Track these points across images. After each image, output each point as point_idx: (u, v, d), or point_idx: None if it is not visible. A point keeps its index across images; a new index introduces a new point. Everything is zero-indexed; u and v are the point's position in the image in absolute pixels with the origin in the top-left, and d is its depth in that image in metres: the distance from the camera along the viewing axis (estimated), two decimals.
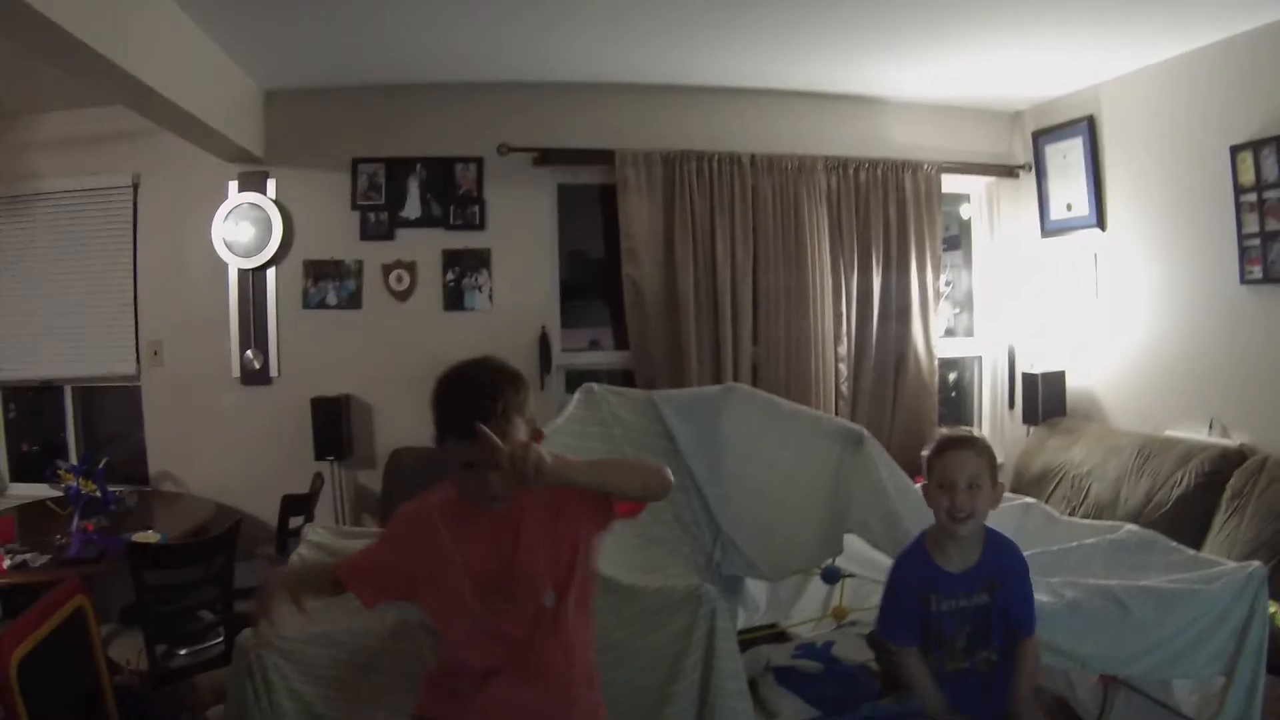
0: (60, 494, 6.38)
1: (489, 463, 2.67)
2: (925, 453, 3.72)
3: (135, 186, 7.48)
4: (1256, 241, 6.23)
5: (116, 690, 4.32)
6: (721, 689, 4.18)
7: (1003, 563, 3.66)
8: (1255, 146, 6.16)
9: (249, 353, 7.45)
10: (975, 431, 3.85)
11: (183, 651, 5.64)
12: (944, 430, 3.87)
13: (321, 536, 5.22)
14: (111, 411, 7.88)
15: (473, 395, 2.77)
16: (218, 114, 6.46)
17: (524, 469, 2.57)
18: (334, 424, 7.25)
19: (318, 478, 6.99)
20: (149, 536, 5.77)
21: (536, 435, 2.89)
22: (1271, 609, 4.29)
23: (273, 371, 7.51)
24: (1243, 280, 6.36)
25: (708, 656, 4.19)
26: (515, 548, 2.88)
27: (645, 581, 4.26)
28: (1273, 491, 5.68)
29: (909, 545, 3.85)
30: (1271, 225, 6.12)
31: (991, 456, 3.64)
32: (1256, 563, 4.23)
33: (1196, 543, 5.66)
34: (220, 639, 5.51)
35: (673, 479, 2.89)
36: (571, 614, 2.97)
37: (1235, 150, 6.31)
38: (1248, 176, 6.23)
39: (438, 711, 3.07)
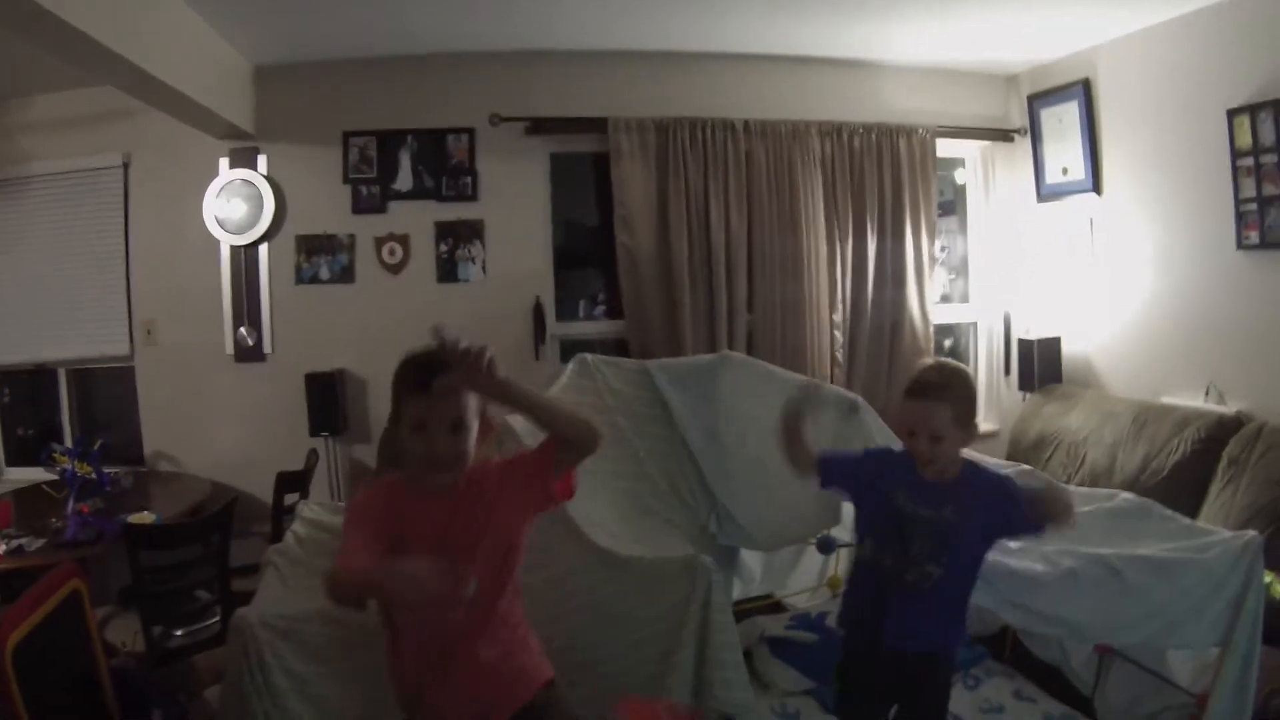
0: (56, 477, 6.37)
1: (438, 421, 2.91)
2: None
3: (126, 166, 7.43)
4: (1253, 206, 6.20)
5: (113, 672, 4.32)
6: (718, 660, 4.18)
7: (978, 488, 3.61)
8: (1252, 110, 6.13)
9: (242, 330, 7.42)
10: (951, 368, 3.69)
11: (179, 632, 5.64)
12: (926, 362, 3.79)
13: (316, 513, 5.22)
14: (106, 393, 7.86)
15: (431, 356, 2.85)
16: (207, 91, 6.43)
17: (477, 359, 2.70)
18: (328, 399, 7.25)
19: (312, 454, 7.00)
20: (144, 518, 5.76)
21: (486, 425, 3.04)
22: (1268, 578, 4.29)
23: (266, 348, 7.48)
24: (1239, 246, 6.34)
25: (703, 627, 4.19)
26: (449, 527, 2.98)
27: (642, 552, 4.27)
28: (1269, 458, 5.68)
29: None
30: (1268, 190, 6.09)
31: (960, 404, 3.56)
32: (1253, 531, 4.24)
33: (1192, 510, 5.68)
34: (217, 618, 5.52)
35: (603, 435, 3.02)
36: (501, 602, 3.08)
37: (1232, 114, 6.28)
38: (1244, 140, 6.20)
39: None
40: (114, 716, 4.20)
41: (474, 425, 3.00)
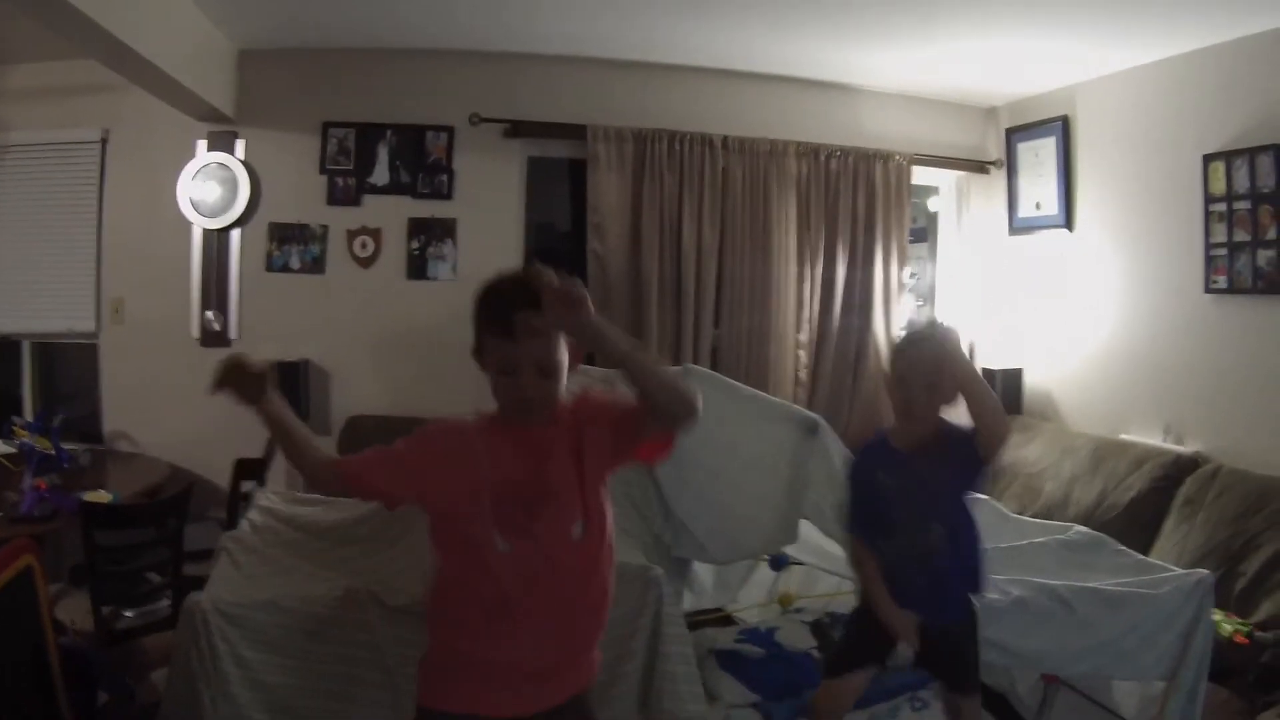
0: (14, 450, 6.30)
1: (526, 365, 2.71)
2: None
3: (104, 141, 7.39)
4: (1223, 251, 6.25)
5: (62, 650, 4.30)
6: (670, 673, 4.21)
7: (951, 439, 3.70)
8: (1228, 157, 6.19)
9: (209, 314, 7.39)
10: (940, 333, 3.80)
11: (129, 613, 5.62)
12: (914, 326, 3.89)
13: (273, 502, 5.24)
14: (69, 368, 7.81)
15: (520, 293, 2.67)
16: (189, 71, 6.40)
17: (572, 294, 2.53)
18: (291, 389, 7.16)
19: (272, 442, 6.94)
20: (101, 496, 5.73)
21: (576, 354, 2.83)
22: (1217, 616, 4.34)
23: (232, 334, 7.44)
24: (1207, 289, 6.39)
25: (654, 639, 4.21)
26: (546, 467, 2.82)
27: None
28: (1224, 500, 5.72)
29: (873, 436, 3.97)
30: (1239, 235, 6.15)
31: (960, 349, 3.74)
32: (1204, 570, 4.30)
33: (1146, 547, 5.71)
34: (167, 601, 5.49)
35: (699, 412, 2.73)
36: (602, 554, 2.93)
37: (1208, 159, 6.33)
38: (1218, 186, 6.26)
39: (449, 701, 2.93)
40: (61, 694, 4.19)
41: (565, 365, 2.79)
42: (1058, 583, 4.20)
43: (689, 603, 5.62)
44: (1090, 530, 4.79)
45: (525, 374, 2.73)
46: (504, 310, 2.71)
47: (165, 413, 7.37)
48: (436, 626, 3.01)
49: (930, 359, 3.62)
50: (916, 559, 3.68)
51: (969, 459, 3.63)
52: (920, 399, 3.63)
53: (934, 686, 4.52)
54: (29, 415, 7.18)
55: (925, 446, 3.70)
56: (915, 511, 3.67)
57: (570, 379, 2.84)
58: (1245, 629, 4.87)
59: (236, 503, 6.27)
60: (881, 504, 3.73)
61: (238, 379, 2.86)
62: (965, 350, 3.89)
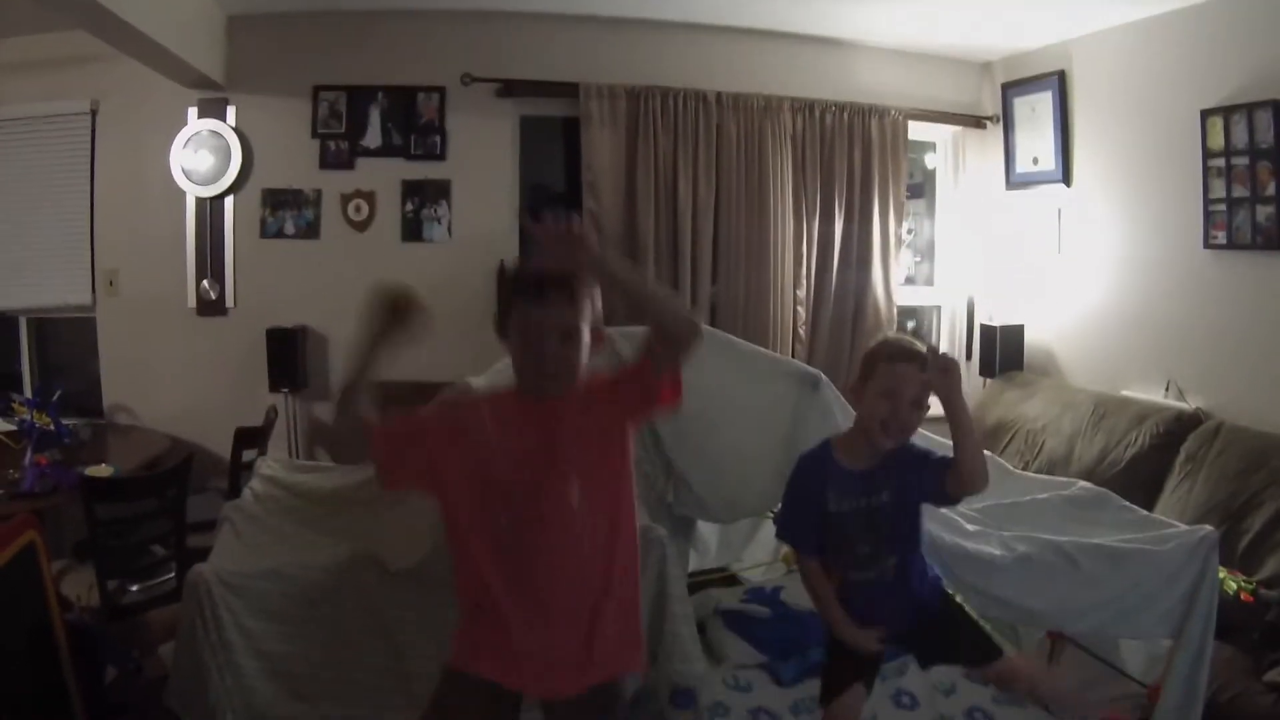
0: (14, 428, 6.27)
1: (549, 330, 2.82)
2: (868, 353, 3.56)
3: (94, 113, 7.34)
4: (1222, 207, 6.25)
5: (68, 626, 4.29)
6: (673, 633, 4.19)
7: (903, 459, 3.51)
8: (1226, 112, 6.17)
9: (205, 283, 7.36)
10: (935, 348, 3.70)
11: (135, 587, 5.62)
12: (891, 335, 3.88)
13: (274, 470, 5.22)
14: (66, 343, 7.78)
15: (548, 270, 2.81)
16: (178, 38, 6.34)
17: (572, 232, 2.61)
18: (289, 356, 7.20)
19: (272, 410, 6.94)
20: (102, 470, 5.73)
21: (598, 336, 2.96)
22: (1221, 574, 4.32)
23: (228, 302, 7.43)
24: (1206, 245, 6.39)
25: (658, 599, 4.20)
26: (554, 438, 2.89)
27: None
28: (1227, 456, 5.73)
29: (813, 446, 3.72)
30: (1238, 191, 6.13)
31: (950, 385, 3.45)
32: (1208, 526, 4.27)
33: (1148, 504, 5.68)
34: (172, 574, 5.48)
35: (702, 332, 2.90)
36: (613, 528, 2.99)
37: (1206, 114, 6.31)
38: (1217, 141, 6.24)
39: (475, 665, 3.00)
40: (68, 670, 4.18)
41: (585, 335, 2.90)
42: (1063, 538, 4.18)
43: (694, 562, 5.62)
44: (1094, 486, 4.74)
45: (549, 338, 2.82)
46: (531, 278, 2.82)
47: (164, 384, 7.38)
48: (459, 596, 3.06)
49: (924, 379, 3.41)
50: (878, 584, 3.57)
51: (931, 491, 3.50)
52: (905, 418, 3.44)
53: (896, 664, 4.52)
54: (28, 392, 7.16)
55: (882, 466, 3.51)
56: (871, 541, 3.53)
57: (592, 358, 2.93)
58: (1250, 586, 4.88)
59: (238, 472, 6.26)
60: (832, 528, 3.56)
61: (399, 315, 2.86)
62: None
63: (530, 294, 2.83)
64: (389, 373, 2.81)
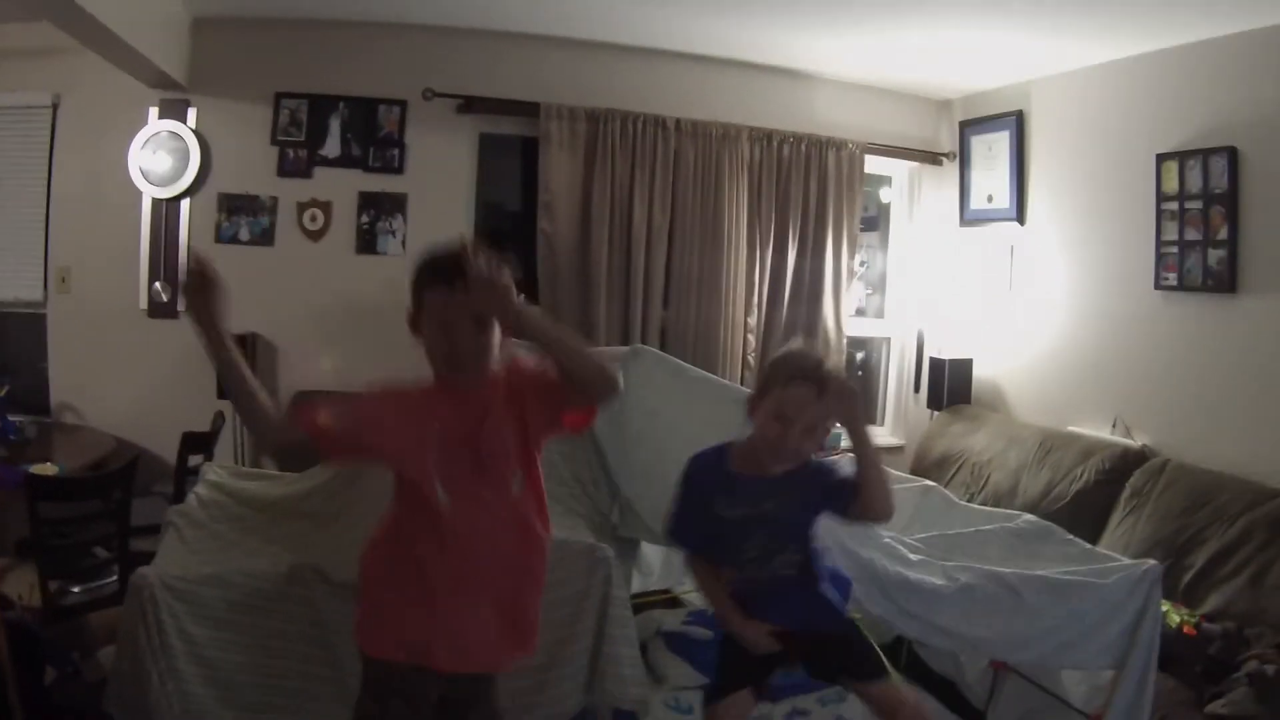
0: None
1: (461, 318, 2.89)
2: (768, 367, 3.51)
3: (55, 107, 7.29)
4: (1174, 249, 6.35)
5: (8, 625, 4.27)
6: (614, 655, 4.20)
7: (801, 474, 3.42)
8: (1181, 157, 6.28)
9: (158, 285, 7.31)
10: (822, 358, 3.55)
11: (76, 589, 5.57)
12: (794, 348, 3.62)
13: (220, 476, 5.22)
14: (15, 339, 7.64)
15: (459, 255, 2.81)
16: (143, 35, 6.29)
17: (497, 282, 2.71)
18: None
19: (219, 416, 6.89)
20: (47, 469, 5.67)
21: (506, 326, 2.95)
22: (1165, 607, 4.38)
23: (180, 305, 7.31)
24: (1157, 286, 6.49)
25: (601, 621, 4.21)
26: (484, 425, 2.95)
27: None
28: (1172, 493, 5.81)
29: (709, 447, 3.61)
30: (1190, 234, 6.25)
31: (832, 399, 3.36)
32: (1152, 560, 4.33)
33: (1093, 538, 5.72)
34: (114, 577, 5.45)
35: (619, 389, 2.97)
36: (534, 515, 3.06)
37: (1161, 158, 6.42)
38: (1171, 185, 6.35)
39: (384, 649, 3.07)
40: (7, 669, 4.15)
41: (495, 321, 2.95)
42: (1006, 569, 4.21)
43: (637, 584, 5.63)
44: (1038, 519, 4.80)
45: (462, 324, 2.91)
46: (445, 265, 2.88)
47: (112, 385, 7.31)
48: (369, 578, 3.14)
49: (820, 406, 3.31)
50: (776, 580, 3.52)
51: (829, 507, 3.44)
52: (796, 443, 3.32)
53: (836, 690, 4.54)
54: None
55: (774, 477, 3.42)
56: (758, 545, 3.47)
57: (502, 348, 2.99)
58: (1193, 620, 4.93)
59: (184, 477, 6.20)
60: (719, 532, 3.49)
61: (201, 286, 2.94)
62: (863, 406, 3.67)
63: (440, 282, 2.90)
64: (343, 384, 2.87)
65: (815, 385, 3.30)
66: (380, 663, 3.08)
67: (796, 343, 3.78)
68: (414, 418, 2.97)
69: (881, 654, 3.72)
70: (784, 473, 3.41)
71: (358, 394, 3.06)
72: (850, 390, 3.28)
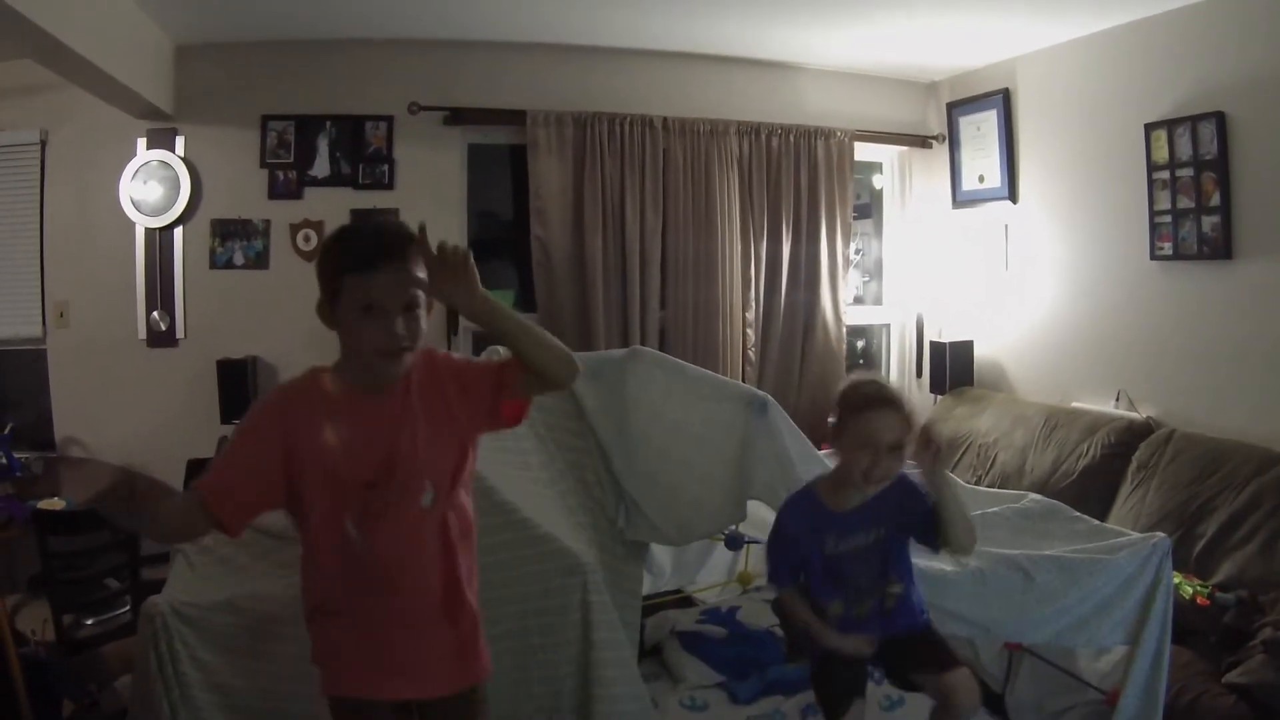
0: None
1: (392, 301, 2.67)
2: (838, 402, 3.57)
3: (43, 143, 7.29)
4: (1168, 219, 6.34)
5: (23, 661, 4.27)
6: (602, 678, 4.13)
7: (894, 494, 3.56)
8: (1170, 125, 6.27)
9: (155, 314, 7.31)
10: (890, 385, 3.74)
11: (90, 621, 5.58)
12: (857, 378, 3.69)
13: None
14: (17, 375, 7.65)
15: (383, 228, 2.76)
16: (127, 68, 6.31)
17: (460, 261, 2.60)
18: (240, 386, 7.12)
19: (223, 441, 6.87)
20: (55, 504, 5.69)
21: (430, 305, 2.82)
22: (1177, 579, 4.38)
23: (179, 333, 7.38)
24: (1153, 256, 6.48)
25: (585, 631, 4.14)
26: (397, 434, 2.79)
27: (539, 526, 4.21)
28: (1179, 464, 5.79)
29: (797, 492, 3.78)
30: (1183, 203, 6.23)
31: (912, 416, 3.50)
32: (1161, 533, 4.33)
33: (1102, 513, 5.75)
34: (127, 608, 5.45)
35: (580, 369, 2.84)
36: (454, 529, 2.90)
37: (1150, 128, 6.41)
38: (1161, 154, 6.34)
39: (349, 686, 2.95)
40: (24, 705, 4.16)
41: (424, 304, 2.77)
42: (1015, 552, 4.22)
43: (649, 585, 5.62)
44: (1045, 498, 4.83)
45: (391, 310, 2.69)
46: (367, 243, 2.71)
47: (115, 416, 7.30)
48: (306, 616, 3.00)
49: (897, 420, 3.43)
50: (879, 610, 3.63)
51: (917, 534, 3.60)
52: (888, 466, 3.43)
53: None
54: None
55: (872, 503, 3.57)
56: (878, 573, 3.60)
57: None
58: (1206, 590, 4.92)
59: None
60: (835, 567, 3.60)
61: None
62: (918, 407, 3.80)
63: (369, 262, 2.67)
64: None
65: (888, 406, 3.45)
66: (338, 700, 2.98)
67: (856, 374, 3.84)
68: (315, 442, 2.77)
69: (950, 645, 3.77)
70: (875, 496, 3.54)
71: (242, 439, 2.89)
72: (929, 439, 3.38)
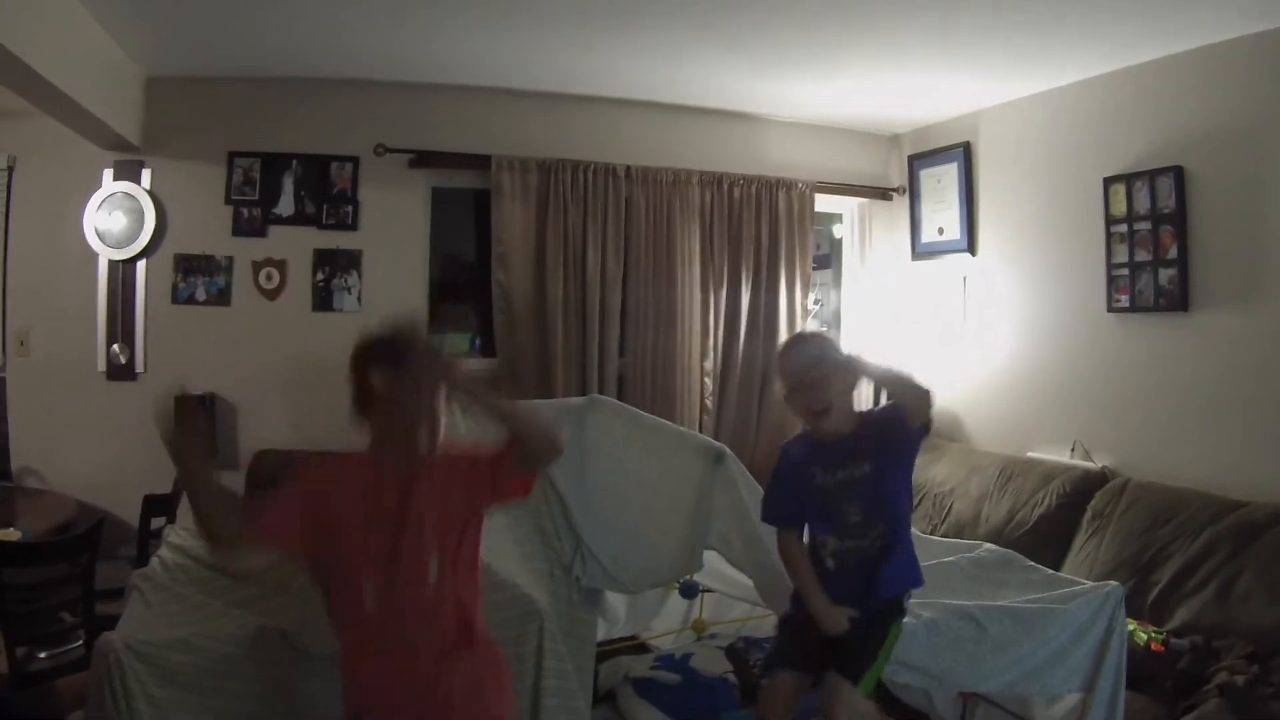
0: None
1: (419, 394, 2.97)
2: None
3: (10, 170, 7.26)
4: (1125, 271, 6.43)
5: None
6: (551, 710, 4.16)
7: (872, 428, 3.86)
8: (1128, 179, 6.37)
9: (115, 347, 7.27)
10: (802, 341, 4.36)
11: (43, 654, 5.53)
12: (786, 347, 4.25)
13: (183, 539, 5.18)
14: None
15: (399, 330, 3.03)
16: (97, 98, 6.29)
17: (446, 365, 2.96)
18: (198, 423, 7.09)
19: (179, 479, 6.88)
20: (10, 534, 5.66)
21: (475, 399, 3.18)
22: (1131, 626, 4.43)
23: (139, 367, 7.33)
24: (1110, 308, 6.57)
25: (537, 676, 4.17)
26: (409, 506, 2.98)
27: (496, 572, 4.23)
28: (1133, 513, 5.85)
29: (794, 436, 4.13)
30: (1140, 255, 6.33)
31: (832, 345, 3.91)
32: (1114, 582, 4.38)
33: (1057, 562, 5.83)
34: (81, 642, 5.42)
35: (563, 449, 3.12)
36: (462, 590, 3.07)
37: (1109, 182, 6.51)
38: (1119, 208, 6.44)
39: None
40: None
41: (442, 396, 3.04)
42: (969, 602, 4.24)
43: (603, 631, 5.63)
44: (999, 548, 4.87)
45: (423, 397, 2.96)
46: (396, 345, 3.01)
47: (72, 449, 7.23)
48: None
49: (807, 357, 3.83)
50: (860, 554, 3.79)
51: (899, 433, 3.80)
52: (818, 396, 3.77)
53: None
54: None
55: (856, 436, 3.83)
56: (867, 511, 3.78)
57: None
58: (1160, 636, 4.97)
59: (147, 540, 6.16)
60: (823, 500, 3.83)
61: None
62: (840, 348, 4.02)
63: (400, 359, 2.98)
64: (303, 442, 2.88)
65: (787, 351, 3.98)
66: None
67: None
68: (345, 515, 3.00)
69: (868, 665, 3.81)
70: (863, 432, 3.87)
71: (287, 500, 3.07)
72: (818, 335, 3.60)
